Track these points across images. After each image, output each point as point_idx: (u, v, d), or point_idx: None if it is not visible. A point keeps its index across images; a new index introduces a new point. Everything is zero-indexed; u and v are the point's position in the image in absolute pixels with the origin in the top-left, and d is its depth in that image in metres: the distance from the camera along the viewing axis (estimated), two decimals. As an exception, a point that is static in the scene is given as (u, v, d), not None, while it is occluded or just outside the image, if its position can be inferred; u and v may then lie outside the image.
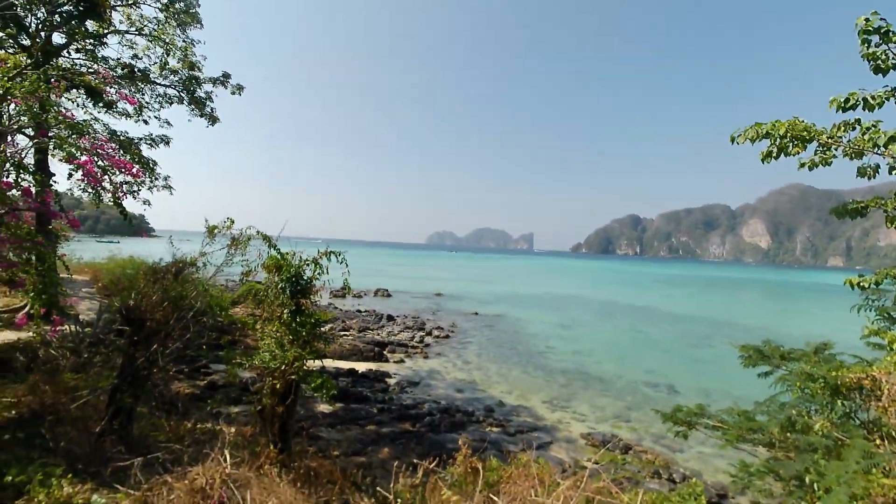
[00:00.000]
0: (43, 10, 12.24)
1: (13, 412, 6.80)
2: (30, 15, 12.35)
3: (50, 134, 6.95)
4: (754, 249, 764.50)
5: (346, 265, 6.93)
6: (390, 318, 28.59)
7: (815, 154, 5.30)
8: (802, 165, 5.32)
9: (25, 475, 4.80)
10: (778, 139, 5.07)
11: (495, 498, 4.23)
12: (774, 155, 5.20)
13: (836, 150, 5.19)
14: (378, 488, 4.88)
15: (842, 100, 4.97)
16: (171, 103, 16.82)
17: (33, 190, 6.91)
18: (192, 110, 17.02)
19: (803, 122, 5.14)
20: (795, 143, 5.17)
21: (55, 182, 8.68)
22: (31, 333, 9.93)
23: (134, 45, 15.80)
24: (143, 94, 16.30)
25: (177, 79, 16.48)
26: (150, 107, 16.50)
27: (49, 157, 11.59)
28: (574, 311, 38.66)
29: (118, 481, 4.87)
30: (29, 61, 6.86)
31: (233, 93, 17.66)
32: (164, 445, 6.11)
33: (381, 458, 9.34)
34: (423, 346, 21.54)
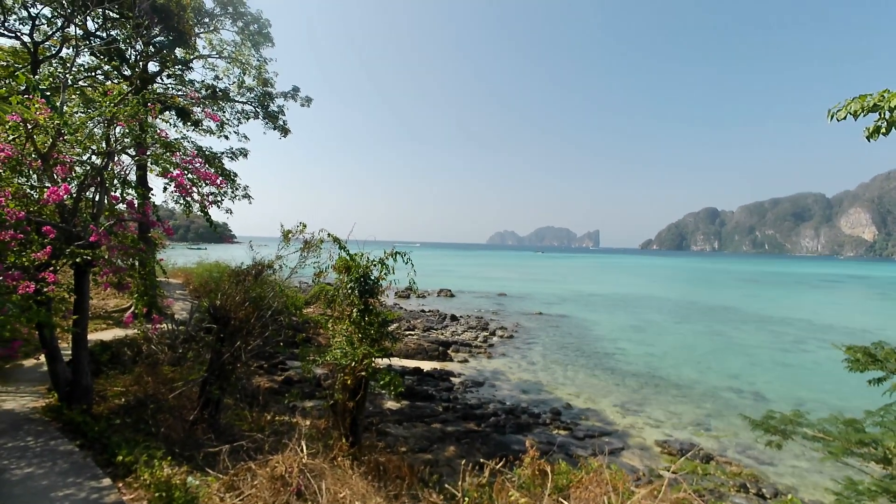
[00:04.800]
0: (140, 42, 13.75)
1: (122, 399, 7.68)
2: (129, 48, 13.95)
3: (147, 152, 7.78)
4: (856, 242, 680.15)
5: (412, 265, 7.05)
6: (454, 317, 28.81)
7: (937, 128, 4.60)
8: (919, 143, 4.66)
9: (132, 456, 5.39)
10: (888, 112, 4.44)
11: (565, 502, 4.10)
12: (884, 131, 4.56)
13: (962, 122, 4.47)
14: (446, 485, 4.92)
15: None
16: (247, 118, 18.20)
17: (136, 203, 7.76)
18: (267, 123, 18.30)
19: (919, 92, 4.49)
20: (910, 116, 4.52)
21: (152, 195, 9.67)
22: (135, 331, 11.19)
23: (215, 68, 17.33)
24: (223, 112, 17.79)
25: (252, 95, 17.80)
26: (230, 123, 17.97)
27: (147, 172, 13.00)
28: (645, 312, 36.67)
29: (209, 465, 5.33)
30: (129, 89, 7.71)
31: (302, 105, 18.76)
32: (248, 434, 6.60)
33: (447, 455, 9.42)
34: (487, 346, 21.47)
